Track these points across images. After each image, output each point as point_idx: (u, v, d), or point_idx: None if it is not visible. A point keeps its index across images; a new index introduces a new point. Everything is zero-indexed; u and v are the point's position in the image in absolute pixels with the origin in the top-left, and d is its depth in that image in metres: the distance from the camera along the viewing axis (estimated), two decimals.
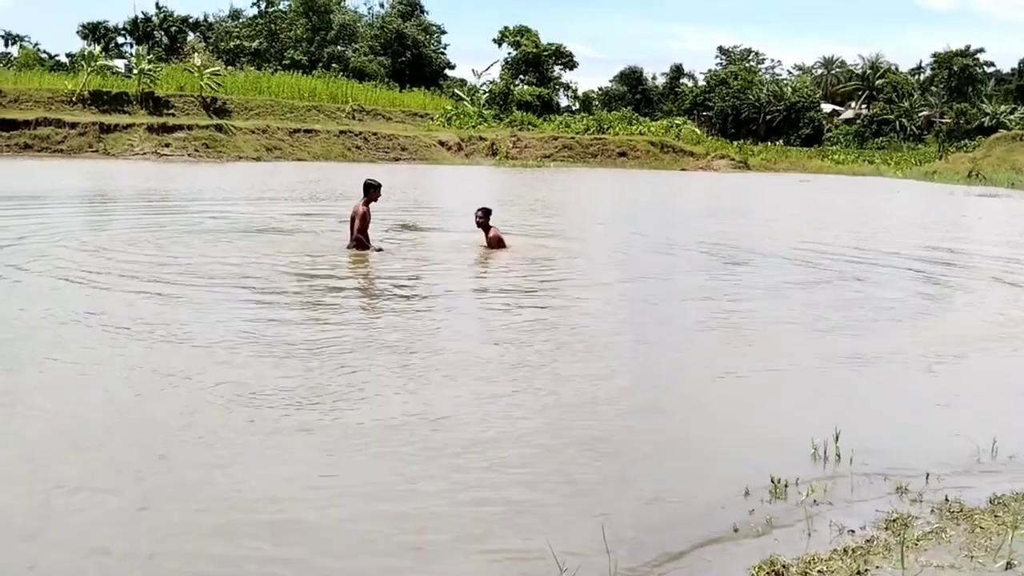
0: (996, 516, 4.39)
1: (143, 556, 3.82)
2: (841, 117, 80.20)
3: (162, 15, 73.30)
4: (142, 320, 7.90)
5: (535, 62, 72.34)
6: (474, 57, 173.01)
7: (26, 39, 70.46)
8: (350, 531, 4.12)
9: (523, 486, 4.71)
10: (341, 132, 49.55)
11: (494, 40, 75.34)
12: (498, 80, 68.45)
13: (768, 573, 3.71)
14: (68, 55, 67.73)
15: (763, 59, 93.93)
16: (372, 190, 12.32)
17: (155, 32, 73.06)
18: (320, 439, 5.23)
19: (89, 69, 47.78)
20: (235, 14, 79.12)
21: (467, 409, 5.86)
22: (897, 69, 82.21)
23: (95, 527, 4.08)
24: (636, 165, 52.30)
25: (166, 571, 3.73)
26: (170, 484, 4.57)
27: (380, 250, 12.46)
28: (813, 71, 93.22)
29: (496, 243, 13.02)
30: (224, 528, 4.10)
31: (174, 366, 6.50)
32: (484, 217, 13.00)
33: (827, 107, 78.64)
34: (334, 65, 68.58)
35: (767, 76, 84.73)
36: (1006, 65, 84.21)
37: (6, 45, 70.21)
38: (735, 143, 61.86)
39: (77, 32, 72.96)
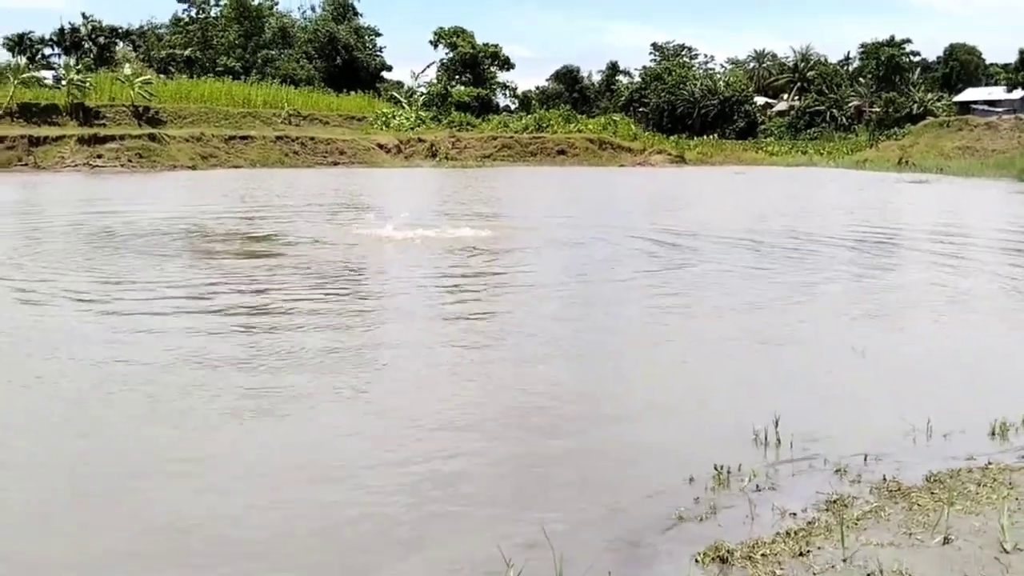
0: (932, 494, 4.50)
1: None
2: (774, 109, 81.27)
3: (90, 25, 71.72)
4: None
5: (472, 63, 72.10)
6: (410, 59, 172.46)
7: None
8: None
9: (462, 483, 4.72)
10: (278, 138, 49.06)
11: (430, 41, 74.86)
12: (435, 81, 68.22)
13: (713, 559, 3.77)
14: None
15: (696, 55, 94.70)
16: None
17: (83, 42, 71.47)
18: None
19: (16, 81, 46.62)
20: (176, 20, 77.57)
21: (411, 397, 5.86)
22: (827, 60, 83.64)
23: None
24: (575, 162, 52.59)
25: None
26: None
27: None
28: (746, 65, 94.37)
29: None
30: None
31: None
32: None
33: (760, 100, 79.59)
34: (268, 70, 67.73)
35: (701, 71, 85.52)
36: (931, 54, 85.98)
37: None
38: (671, 138, 62.44)
39: (2, 44, 71.11)
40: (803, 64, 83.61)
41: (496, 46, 73.71)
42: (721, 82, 76.00)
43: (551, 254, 14.05)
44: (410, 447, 5.22)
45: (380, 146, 51.88)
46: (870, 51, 78.92)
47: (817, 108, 72.52)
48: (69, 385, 6.36)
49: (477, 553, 3.92)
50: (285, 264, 12.43)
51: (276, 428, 5.58)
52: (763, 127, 73.74)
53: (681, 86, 74.29)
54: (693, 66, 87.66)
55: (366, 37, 77.94)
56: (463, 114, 60.14)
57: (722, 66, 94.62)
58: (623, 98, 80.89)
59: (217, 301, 9.61)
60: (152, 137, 44.40)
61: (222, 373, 6.65)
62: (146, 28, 77.93)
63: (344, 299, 9.85)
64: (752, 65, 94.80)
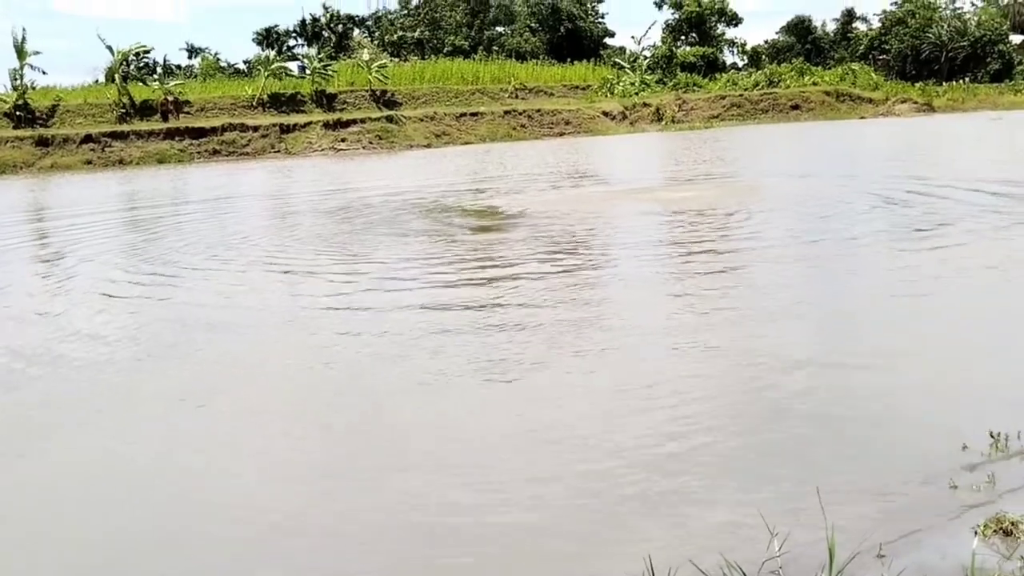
0: None
1: None
2: None
3: (329, 15, 75.97)
4: None
5: (698, 22, 70.44)
6: (633, 24, 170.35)
7: (206, 50, 74.52)
8: None
9: (711, 450, 4.60)
10: (505, 112, 50.06)
11: (655, 3, 73.91)
12: (659, 44, 67.15)
13: (996, 531, 3.46)
14: (245, 62, 71.43)
15: None
16: None
17: (323, 32, 75.81)
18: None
19: (266, 73, 50.27)
20: (404, 3, 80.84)
21: (645, 377, 5.79)
22: None
23: None
24: (810, 117, 50.25)
25: None
26: None
27: None
28: (999, 1, 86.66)
29: None
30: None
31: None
32: None
33: (1017, 39, 72.76)
34: (494, 47, 69.23)
35: (948, 12, 79.36)
36: None
37: (189, 58, 74.53)
38: (917, 85, 58.28)
39: (252, 39, 76.69)
40: None
41: (723, 2, 71.62)
42: (972, 22, 70.05)
43: (788, 213, 13.49)
44: (652, 415, 5.14)
45: (605, 114, 51.76)
46: None
47: None
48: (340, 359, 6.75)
49: (736, 518, 3.81)
50: (514, 235, 12.66)
51: (514, 398, 5.67)
52: (1021, 68, 67.30)
53: (926, 29, 69.13)
54: (939, 7, 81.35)
55: (588, 4, 77.84)
56: (689, 75, 58.84)
57: (972, 4, 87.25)
58: (861, 47, 76.41)
59: (452, 273, 9.92)
60: (390, 119, 46.57)
61: (462, 339, 6.84)
62: (380, 14, 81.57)
63: (573, 269, 9.89)
64: (1006, 1, 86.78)
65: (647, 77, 58.90)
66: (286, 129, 44.92)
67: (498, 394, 5.68)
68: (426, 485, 4.37)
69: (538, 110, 50.79)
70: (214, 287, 9.80)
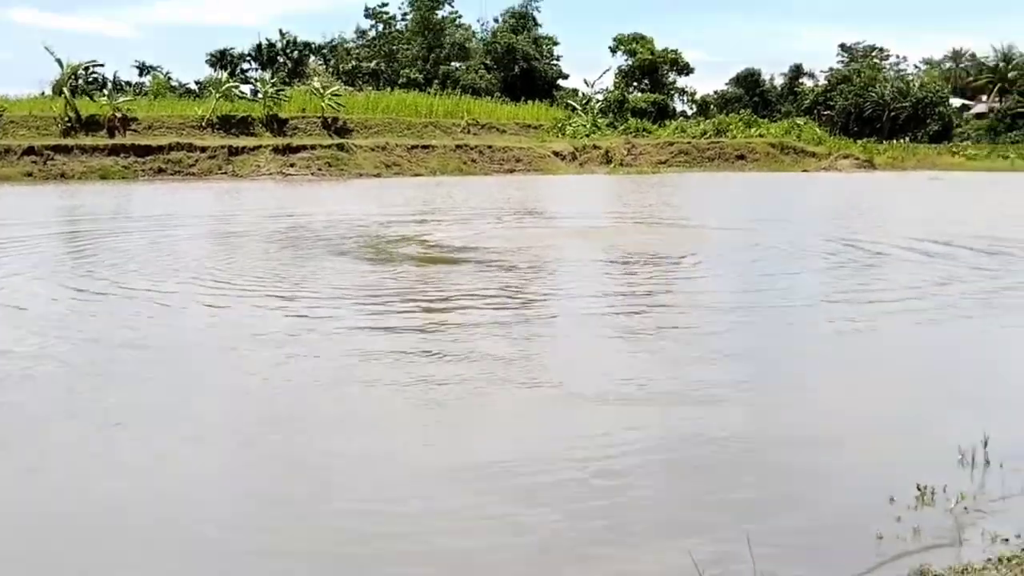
0: None
1: None
2: (972, 112, 76.60)
3: (285, 40, 75.81)
4: None
5: (650, 69, 71.68)
6: (586, 67, 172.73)
7: (157, 69, 73.74)
8: None
9: (645, 492, 4.60)
10: (457, 147, 50.23)
11: (609, 48, 75.05)
12: (612, 88, 68.10)
13: None
14: (197, 82, 70.72)
15: (887, 55, 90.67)
16: None
17: (278, 57, 75.57)
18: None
19: (217, 95, 49.92)
20: (361, 33, 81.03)
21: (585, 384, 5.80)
22: None
23: None
24: (755, 168, 51.22)
25: None
26: None
27: None
28: (941, 65, 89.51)
29: None
30: None
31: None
32: None
33: (956, 102, 75.23)
34: (448, 82, 69.58)
35: (892, 72, 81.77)
36: None
37: (140, 75, 73.62)
38: (859, 142, 59.77)
39: (205, 60, 76.04)
40: (1005, 64, 78.26)
41: (675, 51, 73.04)
42: (914, 83, 72.27)
43: (727, 260, 13.69)
44: (582, 456, 5.14)
45: (555, 153, 52.21)
46: None
47: (1020, 110, 67.62)
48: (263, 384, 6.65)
49: (664, 564, 3.81)
50: (458, 269, 12.65)
51: (443, 433, 5.64)
52: (959, 131, 69.42)
53: (870, 88, 71.10)
54: (884, 67, 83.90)
55: (544, 47, 78.72)
56: (639, 120, 59.70)
57: (915, 67, 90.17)
58: (807, 101, 78.34)
59: (392, 301, 9.86)
60: (340, 147, 46.42)
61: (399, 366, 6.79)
62: (336, 43, 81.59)
63: (512, 301, 9.90)
64: (948, 65, 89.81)
65: (599, 120, 59.64)
66: (235, 151, 44.51)
67: (427, 427, 5.63)
68: (349, 515, 4.32)
69: (489, 146, 51.06)
70: (140, 308, 9.59)
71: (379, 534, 4.17)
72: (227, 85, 52.84)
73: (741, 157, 52.72)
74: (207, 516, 4.43)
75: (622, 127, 58.29)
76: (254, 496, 4.70)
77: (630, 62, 72.69)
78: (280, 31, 75.65)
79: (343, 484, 4.83)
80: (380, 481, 4.83)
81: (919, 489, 4.41)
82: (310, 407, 6.06)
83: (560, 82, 79.17)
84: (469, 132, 54.13)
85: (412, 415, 5.84)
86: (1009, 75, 76.10)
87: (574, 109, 62.95)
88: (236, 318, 9.17)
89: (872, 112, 70.04)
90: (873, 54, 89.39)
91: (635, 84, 72.00)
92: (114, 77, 65.80)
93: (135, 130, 45.65)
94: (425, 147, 49.27)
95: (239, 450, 5.37)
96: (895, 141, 62.46)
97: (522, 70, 73.08)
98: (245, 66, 76.18)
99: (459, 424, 5.75)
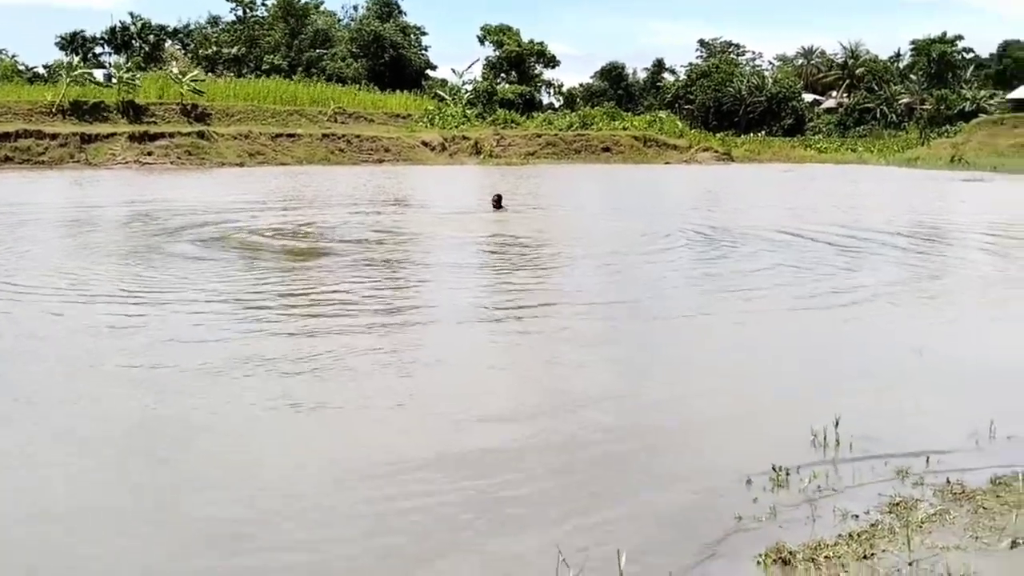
0: (999, 496, 4.37)
1: None
2: (823, 107, 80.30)
3: (140, 23, 72.91)
4: None
5: (518, 61, 72.24)
6: (455, 57, 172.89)
7: (3, 52, 69.72)
8: None
9: (510, 482, 4.67)
10: (324, 136, 49.40)
11: (477, 37, 75.30)
12: (481, 79, 68.25)
13: (775, 560, 3.69)
14: (46, 66, 67.16)
15: (743, 51, 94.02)
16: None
17: (133, 41, 72.67)
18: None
19: (68, 79, 47.50)
20: (214, 20, 78.70)
21: (454, 389, 5.84)
22: (877, 58, 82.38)
23: None
24: (620, 160, 52.29)
25: None
26: None
27: None
28: (794, 62, 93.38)
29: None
30: None
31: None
32: (498, 200, 19.22)
33: (808, 97, 78.64)
34: (313, 70, 68.31)
35: (748, 68, 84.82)
36: (984, 51, 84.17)
37: None
38: (718, 135, 61.87)
39: (55, 43, 72.52)
40: (852, 61, 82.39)
41: (541, 44, 73.86)
42: (769, 79, 75.22)
43: (593, 248, 13.95)
44: (458, 443, 5.17)
45: (425, 144, 51.98)
46: (921, 47, 77.83)
47: (867, 105, 71.38)
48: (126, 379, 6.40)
49: (533, 553, 3.87)
50: (326, 260, 12.49)
51: (320, 423, 5.58)
52: (811, 125, 72.76)
53: (728, 83, 73.63)
54: (740, 63, 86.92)
55: (412, 35, 78.20)
56: (508, 112, 60.07)
57: (770, 63, 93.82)
58: (668, 95, 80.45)
59: (259, 294, 9.66)
60: (201, 135, 44.94)
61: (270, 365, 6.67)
62: (193, 27, 79.01)
63: (383, 291, 9.85)
64: (800, 62, 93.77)
65: (468, 111, 59.68)
66: (88, 139, 42.51)
67: (298, 425, 5.56)
68: (216, 513, 4.23)
69: (357, 136, 50.40)
70: None
71: (240, 534, 4.09)
72: (79, 70, 50.36)
73: (607, 149, 53.72)
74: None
75: (491, 118, 58.53)
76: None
77: (498, 53, 73.08)
78: (131, 13, 72.67)
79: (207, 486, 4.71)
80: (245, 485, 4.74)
81: (774, 470, 4.63)
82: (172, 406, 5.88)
83: (429, 72, 78.89)
84: (336, 121, 53.28)
85: (274, 422, 5.75)
86: (856, 72, 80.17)
87: (443, 99, 62.83)
88: (92, 317, 8.79)
89: (730, 106, 72.55)
90: (730, 50, 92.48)
91: (503, 75, 72.42)
92: None
93: None
94: (290, 136, 48.26)
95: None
96: (752, 135, 64.91)
97: (391, 58, 72.40)
98: (98, 50, 73.13)
99: (329, 432, 5.69)
